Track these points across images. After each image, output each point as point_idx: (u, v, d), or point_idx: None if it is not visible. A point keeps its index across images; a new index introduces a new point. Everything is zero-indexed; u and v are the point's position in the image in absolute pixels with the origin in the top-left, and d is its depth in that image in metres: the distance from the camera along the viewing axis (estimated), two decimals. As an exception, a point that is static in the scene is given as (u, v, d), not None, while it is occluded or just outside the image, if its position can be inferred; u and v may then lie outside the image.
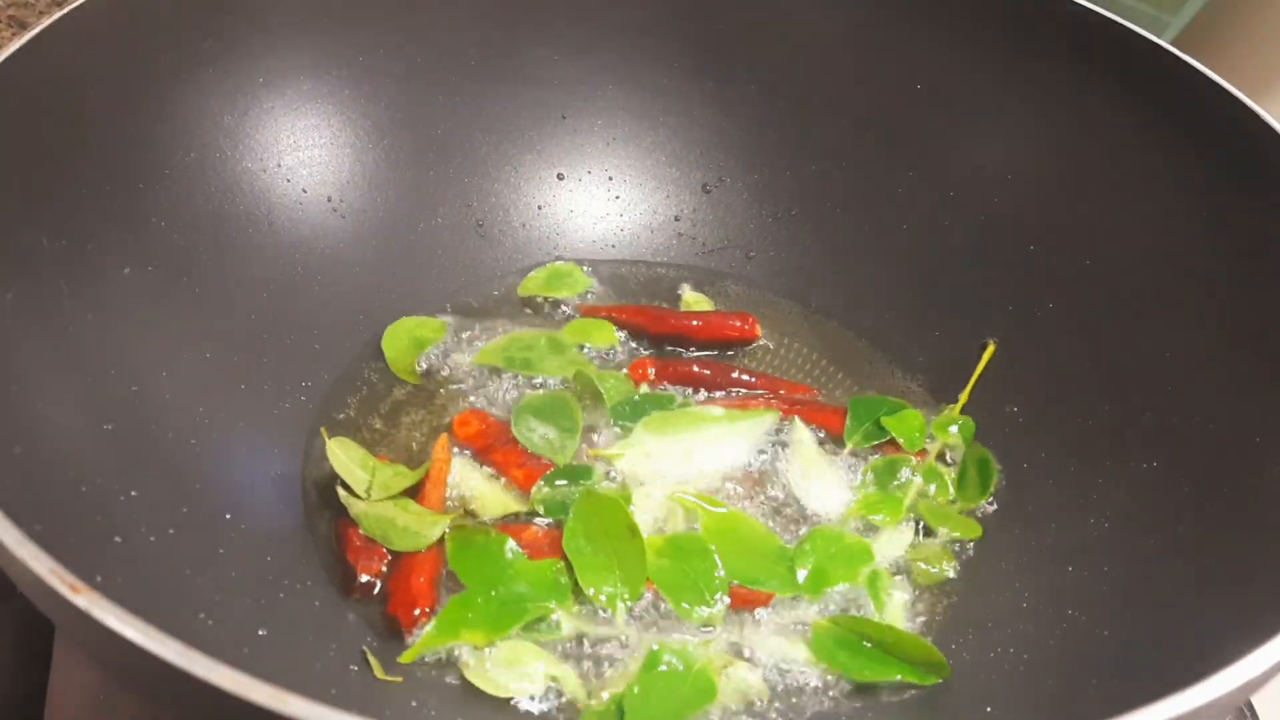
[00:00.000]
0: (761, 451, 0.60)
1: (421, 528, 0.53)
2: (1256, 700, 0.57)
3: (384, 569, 0.52)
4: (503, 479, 0.57)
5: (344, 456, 0.55)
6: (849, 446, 0.60)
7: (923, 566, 0.55)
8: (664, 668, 0.49)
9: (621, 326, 0.66)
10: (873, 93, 0.67)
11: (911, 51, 0.65)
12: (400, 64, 0.65)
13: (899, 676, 0.50)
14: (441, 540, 0.53)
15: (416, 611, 0.50)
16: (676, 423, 0.59)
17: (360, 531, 0.53)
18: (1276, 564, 0.44)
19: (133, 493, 0.44)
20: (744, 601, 0.53)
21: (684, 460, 0.58)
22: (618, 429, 0.60)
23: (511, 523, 0.55)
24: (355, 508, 0.53)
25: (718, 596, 0.52)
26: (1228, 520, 0.48)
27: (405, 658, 0.49)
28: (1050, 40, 0.61)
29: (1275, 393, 0.50)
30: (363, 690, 0.46)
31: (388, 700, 0.47)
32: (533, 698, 0.49)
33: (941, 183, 0.66)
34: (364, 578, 0.51)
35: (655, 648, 0.50)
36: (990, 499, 0.58)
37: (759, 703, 0.49)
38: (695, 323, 0.65)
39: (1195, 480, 0.51)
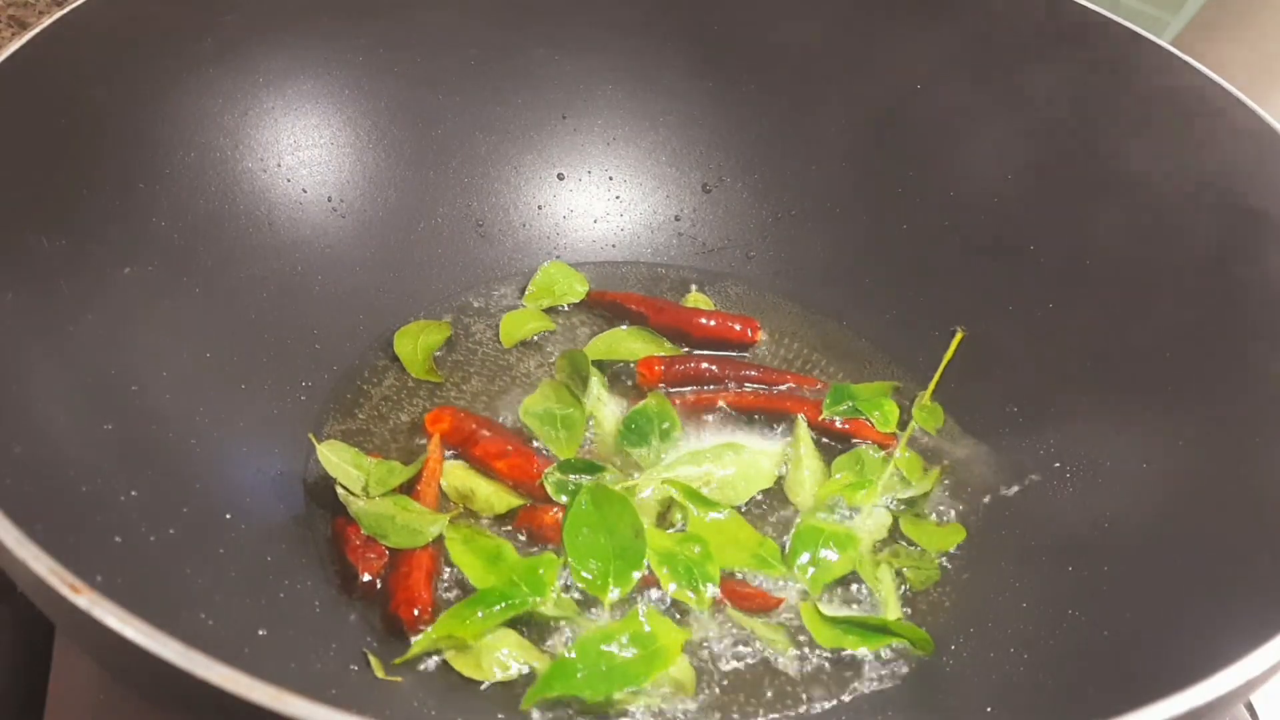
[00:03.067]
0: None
1: (420, 525, 0.53)
2: (1256, 700, 0.57)
3: (384, 567, 0.52)
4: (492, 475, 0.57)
5: (336, 458, 0.55)
6: (824, 415, 0.61)
7: (908, 571, 0.55)
8: (618, 644, 0.49)
9: (624, 314, 0.67)
10: (872, 93, 0.67)
11: (911, 51, 0.65)
12: (400, 64, 0.64)
13: (888, 645, 0.51)
14: (438, 538, 0.53)
15: (416, 611, 0.50)
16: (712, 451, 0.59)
17: (359, 530, 0.53)
18: (1276, 563, 0.44)
19: (133, 492, 0.44)
20: (755, 605, 0.53)
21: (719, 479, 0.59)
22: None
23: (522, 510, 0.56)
24: (354, 505, 0.54)
25: (708, 585, 0.53)
26: (1227, 520, 0.48)
27: (401, 660, 0.49)
28: (1050, 40, 0.61)
29: (1274, 395, 0.50)
30: (363, 690, 0.46)
31: (388, 700, 0.47)
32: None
33: (941, 183, 0.66)
34: (365, 576, 0.51)
35: (642, 610, 0.50)
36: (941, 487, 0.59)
37: (681, 697, 0.49)
38: (699, 320, 0.66)
39: (1195, 480, 0.51)
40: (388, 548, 0.52)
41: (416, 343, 0.63)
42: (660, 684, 0.49)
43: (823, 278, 0.69)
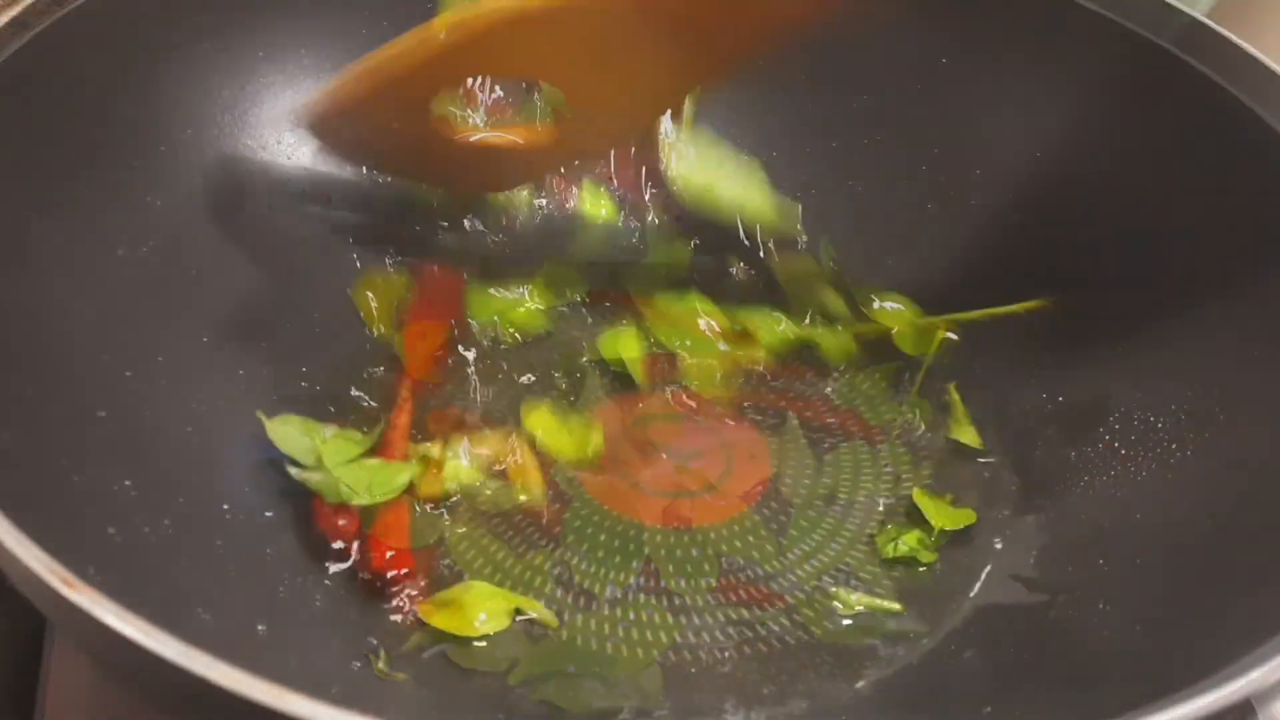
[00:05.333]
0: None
1: (386, 477, 0.52)
2: (1256, 699, 0.56)
3: (357, 532, 0.51)
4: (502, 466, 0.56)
5: (285, 431, 0.53)
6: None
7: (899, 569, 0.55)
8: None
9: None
10: (893, 71, 0.66)
11: (932, 30, 0.64)
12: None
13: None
14: (410, 489, 0.53)
15: (390, 555, 0.50)
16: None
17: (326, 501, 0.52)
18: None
19: (127, 483, 0.44)
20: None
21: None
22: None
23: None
24: (311, 479, 0.52)
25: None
26: (1240, 521, 0.47)
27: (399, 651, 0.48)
28: (1075, 17, 0.60)
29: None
30: (365, 688, 0.46)
31: (390, 698, 0.46)
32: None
33: (966, 164, 0.65)
34: (338, 544, 0.50)
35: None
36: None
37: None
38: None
39: (1212, 480, 0.50)
40: (358, 510, 0.52)
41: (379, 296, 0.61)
42: (629, 696, 0.48)
43: (844, 257, 0.68)
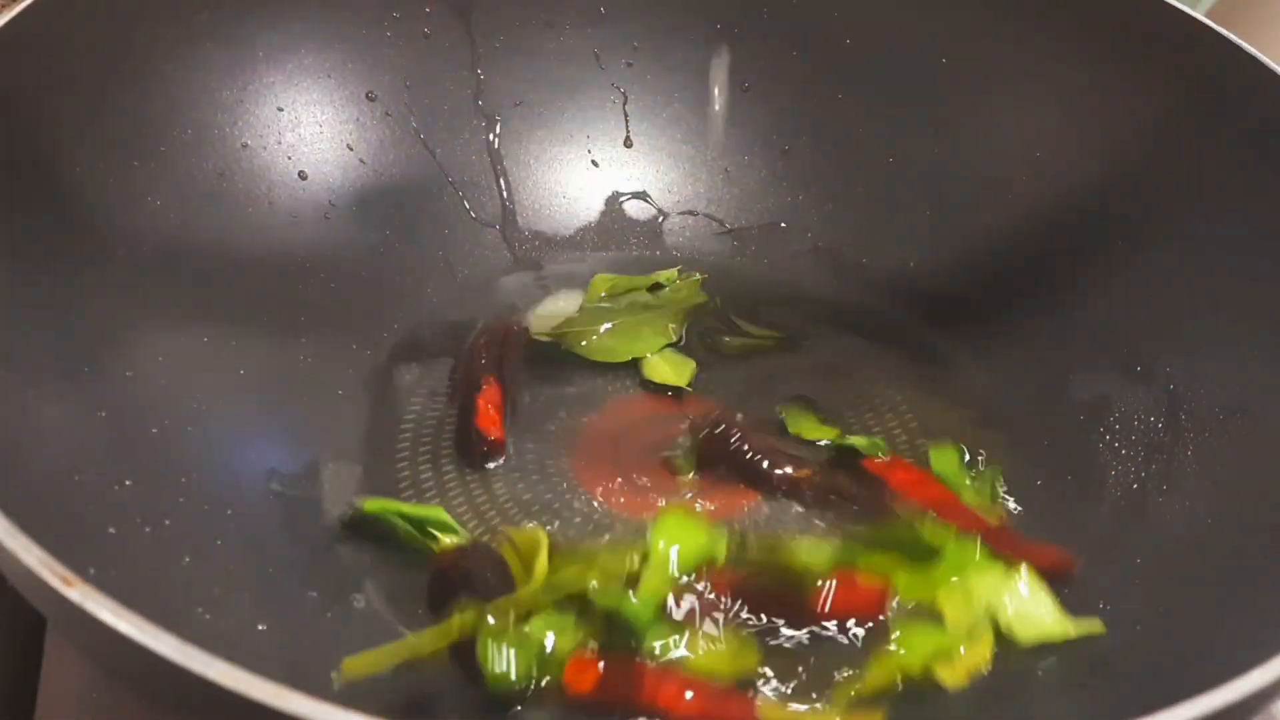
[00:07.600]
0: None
1: None
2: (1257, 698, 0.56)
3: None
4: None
5: None
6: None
7: None
8: None
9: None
10: (898, 65, 0.66)
11: (938, 22, 0.64)
12: (406, 36, 0.64)
13: None
14: None
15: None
16: None
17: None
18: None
19: (127, 482, 0.44)
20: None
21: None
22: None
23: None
24: None
25: None
26: (1239, 520, 0.47)
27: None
28: (1083, 11, 0.61)
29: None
30: (367, 687, 0.44)
31: (394, 697, 0.45)
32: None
33: (973, 161, 0.65)
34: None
35: None
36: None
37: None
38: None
39: (1212, 479, 0.50)
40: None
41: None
42: None
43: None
